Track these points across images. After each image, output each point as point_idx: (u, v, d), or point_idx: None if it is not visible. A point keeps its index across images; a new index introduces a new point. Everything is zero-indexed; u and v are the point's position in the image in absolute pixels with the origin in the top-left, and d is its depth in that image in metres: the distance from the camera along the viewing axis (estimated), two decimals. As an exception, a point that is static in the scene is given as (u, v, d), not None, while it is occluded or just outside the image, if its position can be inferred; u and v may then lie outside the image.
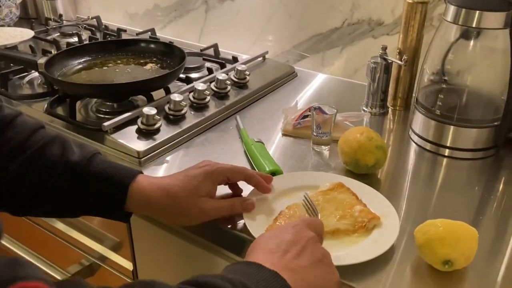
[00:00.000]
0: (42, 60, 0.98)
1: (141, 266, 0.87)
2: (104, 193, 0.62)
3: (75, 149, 0.64)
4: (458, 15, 0.80)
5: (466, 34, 0.82)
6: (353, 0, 1.10)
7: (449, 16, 0.81)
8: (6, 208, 0.62)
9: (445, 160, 0.86)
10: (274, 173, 0.76)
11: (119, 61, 1.09)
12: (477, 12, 0.78)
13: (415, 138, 0.90)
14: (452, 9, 0.81)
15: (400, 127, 0.98)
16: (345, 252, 0.61)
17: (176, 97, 0.92)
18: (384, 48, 0.96)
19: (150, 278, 0.43)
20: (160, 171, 0.81)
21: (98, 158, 0.64)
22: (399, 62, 0.96)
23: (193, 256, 0.75)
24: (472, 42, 0.83)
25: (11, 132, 0.61)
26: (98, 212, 0.65)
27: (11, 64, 1.12)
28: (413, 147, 0.90)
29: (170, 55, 1.08)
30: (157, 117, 0.88)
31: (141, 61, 1.09)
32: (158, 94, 0.99)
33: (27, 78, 1.12)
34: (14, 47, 1.23)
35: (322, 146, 0.88)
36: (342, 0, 1.11)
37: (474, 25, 0.79)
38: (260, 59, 1.21)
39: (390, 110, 1.03)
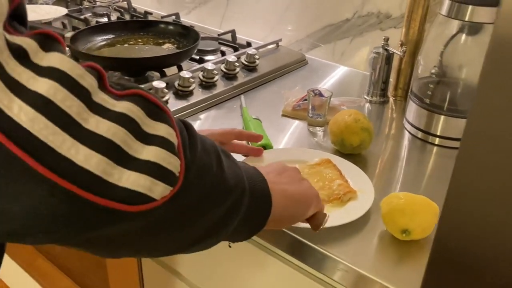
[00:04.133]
0: (68, 34, 1.07)
1: None
2: None
3: None
4: (452, 9, 0.83)
5: (459, 28, 0.86)
6: (364, -7, 1.14)
7: (444, 10, 0.85)
8: None
9: (435, 148, 0.90)
10: (265, 147, 0.82)
11: (139, 40, 1.17)
12: (470, 6, 0.81)
13: (408, 126, 0.94)
14: (446, 3, 0.84)
15: (398, 116, 1.02)
16: None
17: (185, 74, 0.99)
18: (386, 39, 1.00)
19: None
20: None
21: None
22: (398, 53, 1.00)
23: None
24: (464, 36, 0.86)
25: None
26: None
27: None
28: (406, 135, 0.94)
29: (186, 37, 1.16)
30: (166, 90, 0.95)
31: (160, 41, 1.17)
32: (172, 71, 1.06)
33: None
34: (48, 23, 1.34)
35: (317, 127, 0.93)
36: (354, -8, 1.15)
37: (466, 19, 0.82)
38: (274, 45, 1.27)
39: (391, 99, 1.07)
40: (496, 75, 0.35)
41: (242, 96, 1.02)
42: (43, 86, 0.32)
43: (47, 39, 0.34)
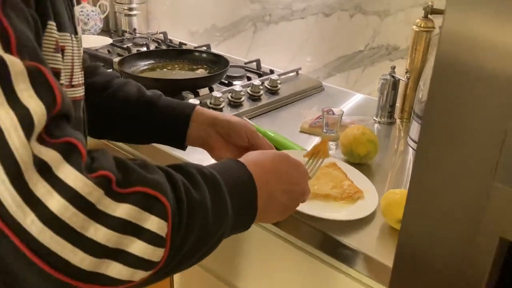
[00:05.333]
0: (116, 59, 1.24)
1: None
2: (172, 119, 0.79)
3: (147, 90, 0.83)
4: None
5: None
6: (375, 27, 1.29)
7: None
8: (92, 134, 0.75)
9: (434, 162, 1.02)
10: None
11: (176, 66, 1.33)
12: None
13: (412, 143, 1.07)
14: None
15: (404, 135, 1.14)
16: (339, 213, 0.79)
17: (216, 94, 1.14)
18: (393, 68, 1.14)
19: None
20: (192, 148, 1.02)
21: (166, 97, 0.82)
22: (404, 79, 1.13)
23: None
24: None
25: (97, 76, 0.82)
26: (164, 137, 0.80)
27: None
28: (410, 151, 1.07)
29: (217, 64, 1.32)
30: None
31: (194, 67, 1.33)
32: (204, 92, 1.22)
33: (103, 75, 1.39)
34: (96, 51, 1.52)
35: (330, 142, 1.06)
36: (366, 27, 1.30)
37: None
38: (294, 73, 1.42)
39: (398, 121, 1.20)
40: (441, 95, 0.43)
41: (244, 117, 1.15)
42: (55, 204, 0.40)
43: (71, 151, 0.42)
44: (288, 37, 1.50)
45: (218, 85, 1.28)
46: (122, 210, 0.43)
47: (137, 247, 0.44)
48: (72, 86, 0.60)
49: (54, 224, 0.40)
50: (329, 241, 0.77)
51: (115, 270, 0.43)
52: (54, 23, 0.52)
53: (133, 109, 0.80)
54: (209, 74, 1.26)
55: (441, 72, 0.43)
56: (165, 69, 1.31)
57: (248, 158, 0.64)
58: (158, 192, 0.46)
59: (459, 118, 0.42)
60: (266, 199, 0.62)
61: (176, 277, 1.12)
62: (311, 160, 0.81)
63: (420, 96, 1.06)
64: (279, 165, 0.66)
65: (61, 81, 0.56)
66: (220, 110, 1.15)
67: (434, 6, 1.10)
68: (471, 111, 0.42)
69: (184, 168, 0.54)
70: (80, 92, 0.63)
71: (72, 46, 0.58)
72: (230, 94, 1.20)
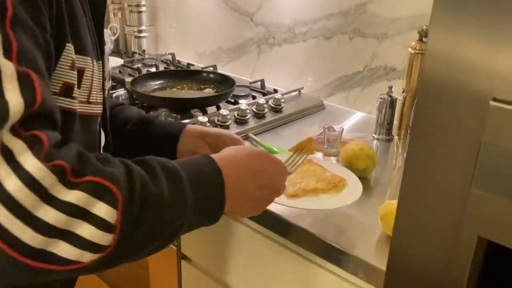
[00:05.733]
0: (128, 79, 1.32)
1: None
2: (165, 134, 0.90)
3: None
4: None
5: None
6: (373, 50, 1.36)
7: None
8: None
9: (430, 177, 1.08)
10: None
11: (185, 85, 1.41)
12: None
13: (408, 158, 1.13)
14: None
15: (402, 151, 1.21)
16: (333, 202, 0.85)
17: (223, 111, 1.21)
18: (390, 87, 1.21)
19: None
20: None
21: (161, 119, 0.96)
22: (400, 98, 1.20)
23: None
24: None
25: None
26: (157, 150, 0.82)
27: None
28: (406, 166, 1.13)
29: (224, 83, 1.39)
30: (208, 124, 1.17)
31: (201, 86, 1.41)
32: (212, 110, 1.29)
33: (114, 95, 1.47)
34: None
35: (331, 156, 1.12)
36: (365, 49, 1.38)
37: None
38: (296, 92, 1.49)
39: (396, 138, 1.26)
40: (426, 111, 0.49)
41: (250, 133, 1.22)
42: (11, 185, 0.46)
43: (36, 143, 0.48)
44: (290, 58, 1.58)
45: (224, 103, 1.35)
46: (73, 196, 0.48)
47: (86, 230, 0.49)
48: (89, 102, 0.67)
49: (9, 203, 0.46)
50: (327, 247, 0.82)
51: (64, 249, 0.48)
52: (71, 46, 0.60)
53: (132, 125, 0.91)
54: (217, 93, 1.33)
55: (425, 90, 0.50)
56: (174, 89, 1.38)
57: (221, 154, 0.68)
58: (111, 183, 0.51)
59: (440, 132, 0.49)
60: (238, 193, 0.65)
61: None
62: (294, 156, 0.85)
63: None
64: (254, 160, 0.70)
65: (74, 94, 0.62)
66: (227, 127, 1.21)
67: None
68: (451, 125, 0.48)
69: (146, 162, 0.59)
70: (97, 109, 0.71)
71: (93, 70, 0.66)
72: (236, 112, 1.27)
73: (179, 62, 1.79)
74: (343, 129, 1.11)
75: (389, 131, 1.25)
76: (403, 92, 1.22)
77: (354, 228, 0.86)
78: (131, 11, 1.89)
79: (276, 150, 1.08)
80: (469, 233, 0.49)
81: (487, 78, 0.45)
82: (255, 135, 1.23)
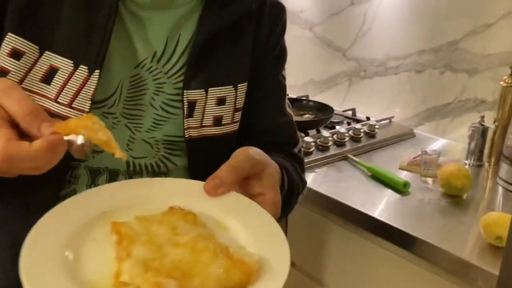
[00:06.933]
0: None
1: None
2: None
3: None
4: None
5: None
6: (463, 83, 1.47)
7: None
8: None
9: (523, 200, 1.16)
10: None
11: (286, 111, 1.57)
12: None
13: (501, 182, 1.21)
14: (530, 89, 1.15)
15: (492, 176, 1.29)
16: None
17: (324, 133, 1.36)
18: (482, 117, 1.31)
19: None
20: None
21: None
22: (492, 127, 1.30)
23: None
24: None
25: None
26: None
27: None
28: (500, 189, 1.21)
29: (322, 110, 1.54)
30: (312, 144, 1.32)
31: (301, 112, 1.57)
32: (312, 133, 1.44)
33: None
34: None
35: (428, 177, 1.23)
36: (455, 83, 1.49)
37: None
38: (387, 121, 1.61)
39: (486, 164, 1.35)
40: None
41: (349, 154, 1.35)
42: None
43: None
44: (381, 90, 1.71)
45: (322, 128, 1.49)
46: None
47: None
48: (72, 107, 0.62)
49: None
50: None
51: None
52: (16, 36, 0.59)
53: None
54: (317, 118, 1.48)
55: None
56: (277, 114, 1.55)
57: None
58: None
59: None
60: None
61: None
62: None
63: (509, 143, 1.21)
64: None
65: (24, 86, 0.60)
66: (327, 148, 1.36)
67: (521, 66, 1.27)
68: None
69: None
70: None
71: (74, 73, 0.61)
72: (335, 135, 1.41)
73: (274, 92, 1.96)
74: (439, 152, 1.22)
75: (480, 158, 1.34)
76: (494, 121, 1.31)
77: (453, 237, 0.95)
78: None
79: (376, 169, 1.21)
80: None
81: None
82: (354, 156, 1.36)
